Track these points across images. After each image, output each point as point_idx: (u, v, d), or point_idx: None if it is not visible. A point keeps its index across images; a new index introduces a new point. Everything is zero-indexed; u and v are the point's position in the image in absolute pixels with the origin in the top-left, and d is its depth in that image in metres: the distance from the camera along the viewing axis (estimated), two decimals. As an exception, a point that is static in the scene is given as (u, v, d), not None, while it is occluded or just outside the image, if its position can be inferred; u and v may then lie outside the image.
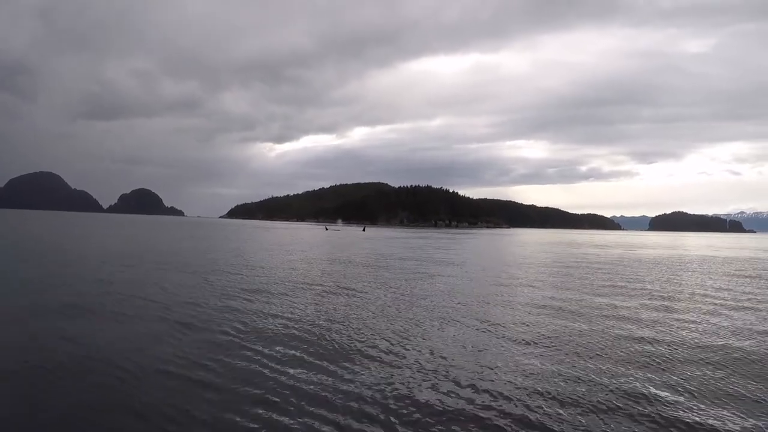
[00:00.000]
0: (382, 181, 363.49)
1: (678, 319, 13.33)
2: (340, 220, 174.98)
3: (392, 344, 10.02)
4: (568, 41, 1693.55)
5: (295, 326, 11.18)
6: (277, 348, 9.46)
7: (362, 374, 8.22)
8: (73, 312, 11.86)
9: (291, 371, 8.19)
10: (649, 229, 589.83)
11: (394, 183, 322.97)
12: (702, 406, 7.26)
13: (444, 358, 9.20)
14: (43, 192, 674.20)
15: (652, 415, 6.88)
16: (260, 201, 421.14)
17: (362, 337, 10.52)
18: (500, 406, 7.09)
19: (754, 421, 6.71)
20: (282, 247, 39.45)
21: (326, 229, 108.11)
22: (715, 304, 16.39)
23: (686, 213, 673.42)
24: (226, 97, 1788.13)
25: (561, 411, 6.94)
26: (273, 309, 13.00)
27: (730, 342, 11.00)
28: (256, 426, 6.27)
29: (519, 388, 7.75)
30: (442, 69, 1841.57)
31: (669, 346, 10.43)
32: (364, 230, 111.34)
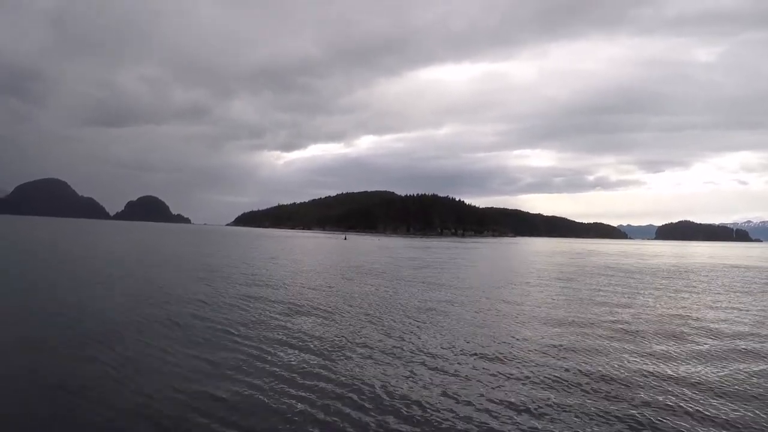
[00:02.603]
0: (389, 189, 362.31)
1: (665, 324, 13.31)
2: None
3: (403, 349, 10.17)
4: (576, 50, 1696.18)
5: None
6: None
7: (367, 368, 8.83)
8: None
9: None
10: (655, 239, 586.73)
11: (401, 191, 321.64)
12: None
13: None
14: (50, 198, 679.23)
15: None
16: (267, 209, 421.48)
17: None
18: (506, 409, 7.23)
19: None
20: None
21: (345, 238, 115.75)
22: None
23: (693, 222, 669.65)
24: (234, 104, 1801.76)
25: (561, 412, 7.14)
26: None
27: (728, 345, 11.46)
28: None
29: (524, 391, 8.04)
30: (450, 77, 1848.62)
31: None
32: (379, 240, 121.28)
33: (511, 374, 8.88)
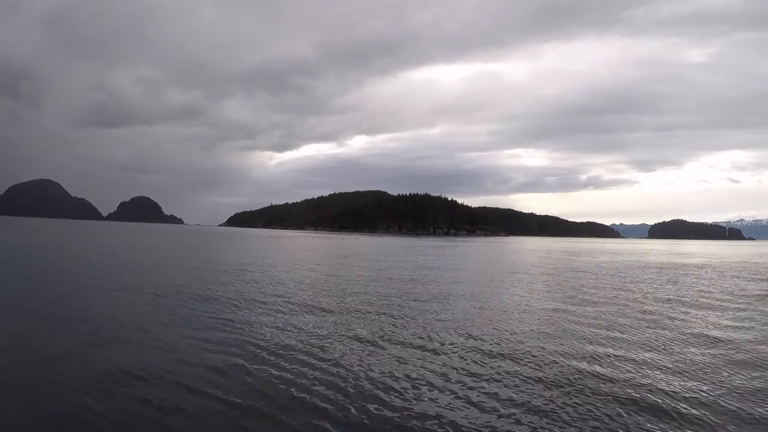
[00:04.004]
0: (382, 189, 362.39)
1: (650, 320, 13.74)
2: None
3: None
4: (569, 50, 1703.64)
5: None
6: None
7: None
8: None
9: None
10: (648, 237, 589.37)
11: (394, 191, 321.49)
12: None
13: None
14: (43, 199, 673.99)
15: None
16: (259, 209, 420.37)
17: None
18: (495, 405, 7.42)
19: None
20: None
21: (343, 239, 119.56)
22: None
23: (685, 221, 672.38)
24: (228, 105, 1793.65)
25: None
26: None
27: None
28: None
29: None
30: (443, 78, 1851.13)
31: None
32: (373, 239, 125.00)
33: (496, 366, 9.43)
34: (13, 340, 10.26)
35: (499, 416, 7.02)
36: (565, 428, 6.67)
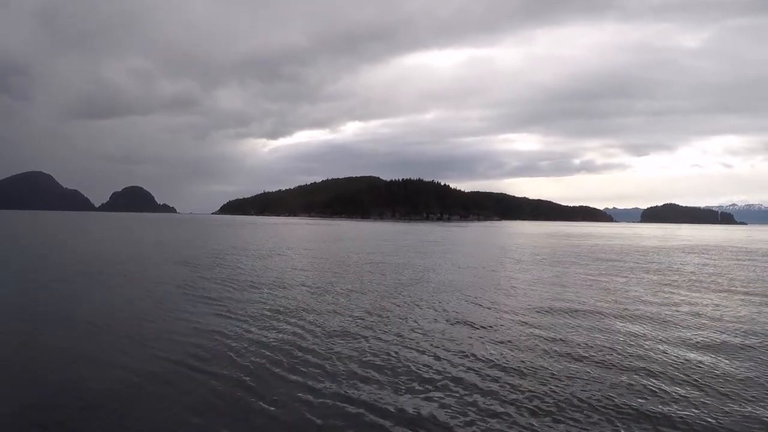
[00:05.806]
0: (375, 174, 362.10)
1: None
2: None
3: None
4: (561, 36, 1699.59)
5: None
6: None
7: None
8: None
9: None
10: (640, 221, 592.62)
11: (387, 177, 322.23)
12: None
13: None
14: (35, 192, 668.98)
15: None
16: (252, 196, 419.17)
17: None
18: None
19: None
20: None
21: (338, 225, 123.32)
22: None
23: (678, 205, 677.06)
24: (221, 94, 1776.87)
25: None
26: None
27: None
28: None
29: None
30: (435, 63, 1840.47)
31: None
32: (365, 225, 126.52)
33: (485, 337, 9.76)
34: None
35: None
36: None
